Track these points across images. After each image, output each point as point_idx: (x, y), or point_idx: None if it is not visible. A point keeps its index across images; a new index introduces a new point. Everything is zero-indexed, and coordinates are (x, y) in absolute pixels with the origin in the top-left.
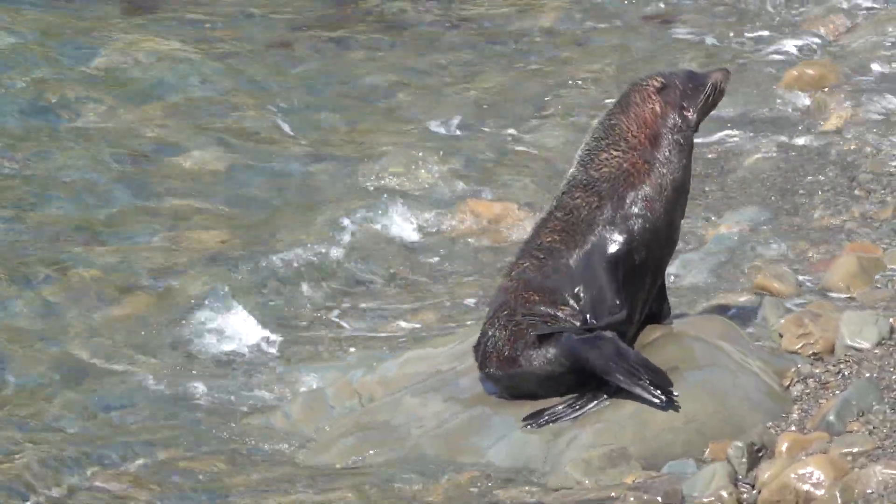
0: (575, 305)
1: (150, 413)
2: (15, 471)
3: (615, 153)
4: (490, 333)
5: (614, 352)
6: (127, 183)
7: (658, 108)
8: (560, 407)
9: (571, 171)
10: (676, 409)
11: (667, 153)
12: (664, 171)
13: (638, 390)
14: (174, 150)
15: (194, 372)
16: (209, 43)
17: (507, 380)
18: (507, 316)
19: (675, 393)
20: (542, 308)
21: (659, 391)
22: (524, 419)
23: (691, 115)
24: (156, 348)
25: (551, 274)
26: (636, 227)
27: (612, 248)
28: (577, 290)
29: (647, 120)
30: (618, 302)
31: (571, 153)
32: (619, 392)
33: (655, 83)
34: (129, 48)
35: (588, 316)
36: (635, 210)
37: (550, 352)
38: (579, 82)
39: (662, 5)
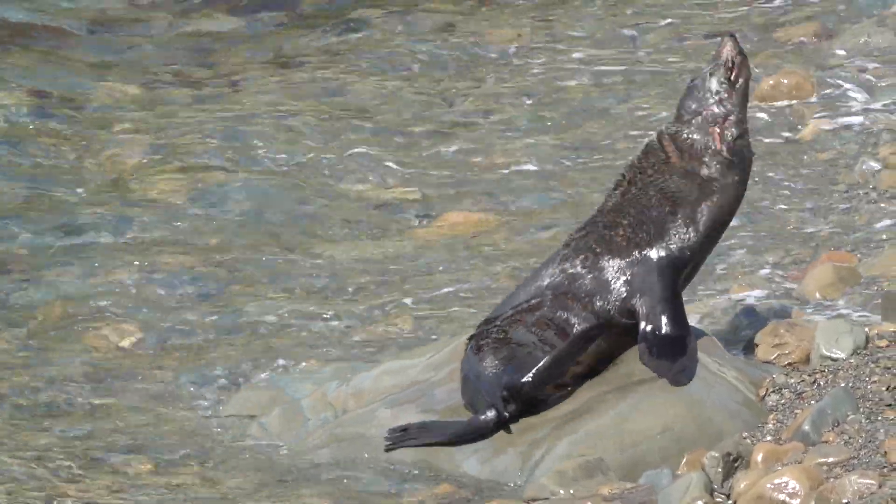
0: (611, 310)
1: (124, 424)
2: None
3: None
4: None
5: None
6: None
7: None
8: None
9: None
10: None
11: (721, 174)
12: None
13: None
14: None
15: (168, 384)
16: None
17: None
18: (535, 311)
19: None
20: (569, 317)
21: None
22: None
23: (722, 148)
24: (131, 360)
25: (604, 274)
26: (703, 236)
27: (679, 256)
28: (630, 297)
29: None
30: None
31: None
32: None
33: (671, 155)
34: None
35: (645, 332)
36: (703, 223)
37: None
38: (552, 100)
39: (629, 12)
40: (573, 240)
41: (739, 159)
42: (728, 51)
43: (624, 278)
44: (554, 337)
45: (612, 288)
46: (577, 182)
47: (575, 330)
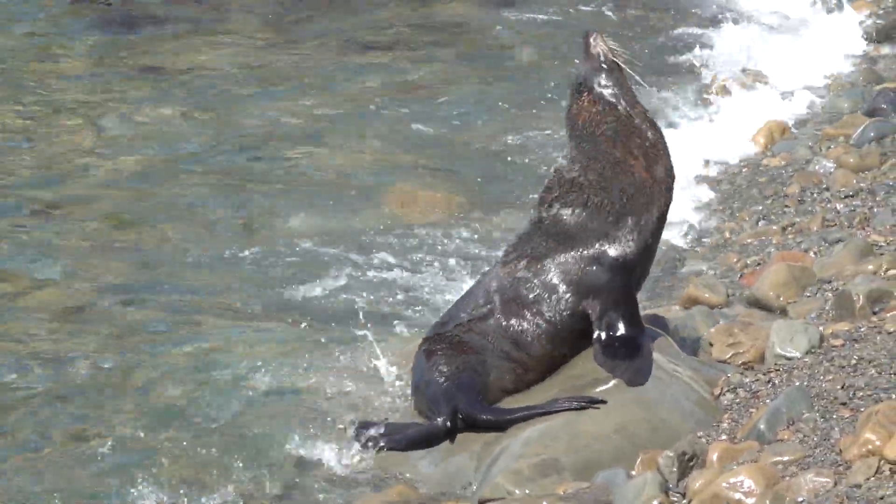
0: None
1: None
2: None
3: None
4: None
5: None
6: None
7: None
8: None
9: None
10: None
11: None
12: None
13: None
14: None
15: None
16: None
17: None
18: (487, 319)
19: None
20: (521, 324)
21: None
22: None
23: (629, 146)
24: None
25: (552, 279)
26: (646, 235)
27: (627, 256)
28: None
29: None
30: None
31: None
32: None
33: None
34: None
35: (601, 332)
36: (644, 221)
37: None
38: (512, 82)
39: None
40: (518, 244)
41: (655, 150)
42: (595, 47)
43: (574, 282)
44: (510, 346)
45: (560, 292)
46: None
47: (528, 338)
